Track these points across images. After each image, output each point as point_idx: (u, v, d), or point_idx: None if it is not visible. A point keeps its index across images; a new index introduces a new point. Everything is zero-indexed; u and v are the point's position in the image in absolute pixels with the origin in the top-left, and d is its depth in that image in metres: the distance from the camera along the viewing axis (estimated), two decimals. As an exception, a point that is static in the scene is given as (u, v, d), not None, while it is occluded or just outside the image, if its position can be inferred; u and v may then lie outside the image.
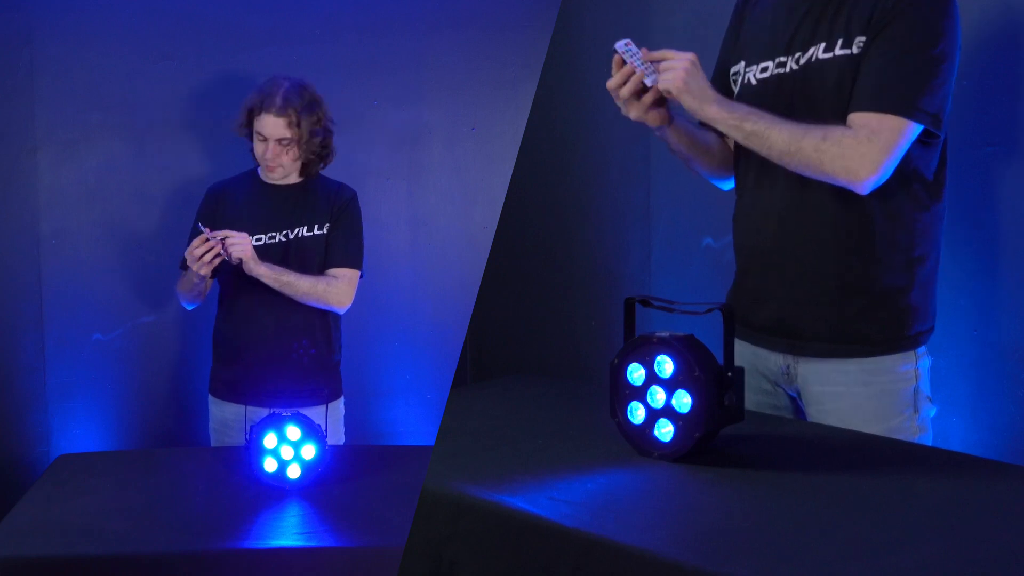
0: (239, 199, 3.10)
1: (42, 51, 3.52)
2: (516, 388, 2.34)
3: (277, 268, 2.98)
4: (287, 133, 2.97)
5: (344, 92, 3.22)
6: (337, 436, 3.10)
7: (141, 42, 3.55)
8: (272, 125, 2.95)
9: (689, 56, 2.09)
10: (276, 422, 2.50)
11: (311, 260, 3.05)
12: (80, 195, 3.57)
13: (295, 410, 2.58)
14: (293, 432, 2.48)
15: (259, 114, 2.95)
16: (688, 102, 2.09)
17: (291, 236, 3.04)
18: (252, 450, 2.47)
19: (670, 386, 1.75)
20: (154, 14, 3.55)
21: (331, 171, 3.16)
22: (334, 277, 3.05)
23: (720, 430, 1.77)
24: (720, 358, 1.75)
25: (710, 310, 1.78)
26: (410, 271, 3.73)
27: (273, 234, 3.04)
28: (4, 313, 3.55)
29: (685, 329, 1.82)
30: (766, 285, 2.29)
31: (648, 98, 2.12)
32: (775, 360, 2.30)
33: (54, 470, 2.66)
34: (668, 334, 1.77)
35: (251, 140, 3.03)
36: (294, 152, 3.01)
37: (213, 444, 3.13)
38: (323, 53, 3.59)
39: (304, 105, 2.98)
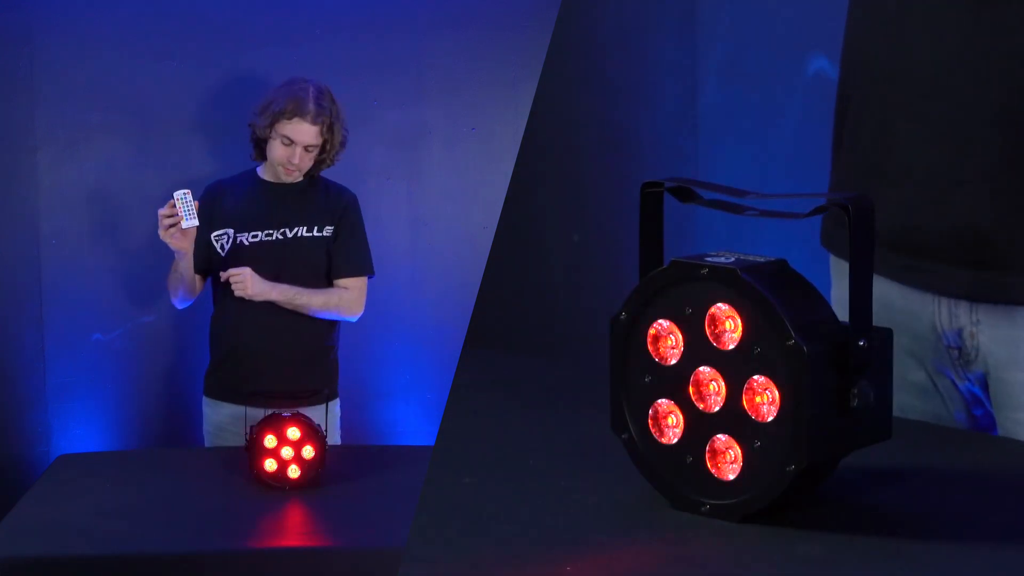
0: (237, 196, 3.09)
1: (42, 51, 3.51)
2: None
3: (288, 290, 2.97)
4: (317, 141, 2.96)
5: (344, 92, 3.22)
6: (333, 438, 3.09)
7: (141, 42, 3.54)
8: (305, 132, 2.94)
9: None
10: (276, 423, 2.50)
11: (310, 260, 3.04)
12: (80, 195, 3.57)
13: (295, 410, 2.58)
14: (293, 432, 2.48)
15: (290, 119, 2.92)
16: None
17: (289, 235, 3.04)
18: (252, 450, 2.47)
19: (736, 368, 0.97)
20: (155, 14, 3.55)
21: (332, 171, 3.15)
22: (344, 288, 3.05)
23: (843, 457, 1.00)
24: (838, 309, 0.98)
25: (820, 210, 0.97)
26: (410, 271, 3.73)
27: (270, 231, 3.03)
28: (4, 313, 3.55)
29: (766, 252, 1.00)
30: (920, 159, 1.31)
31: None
32: (934, 314, 1.34)
33: (54, 470, 2.66)
34: (733, 259, 0.97)
35: (264, 140, 3.02)
36: (315, 156, 3.01)
37: (208, 446, 3.12)
38: (323, 53, 3.59)
39: (335, 112, 2.98)
